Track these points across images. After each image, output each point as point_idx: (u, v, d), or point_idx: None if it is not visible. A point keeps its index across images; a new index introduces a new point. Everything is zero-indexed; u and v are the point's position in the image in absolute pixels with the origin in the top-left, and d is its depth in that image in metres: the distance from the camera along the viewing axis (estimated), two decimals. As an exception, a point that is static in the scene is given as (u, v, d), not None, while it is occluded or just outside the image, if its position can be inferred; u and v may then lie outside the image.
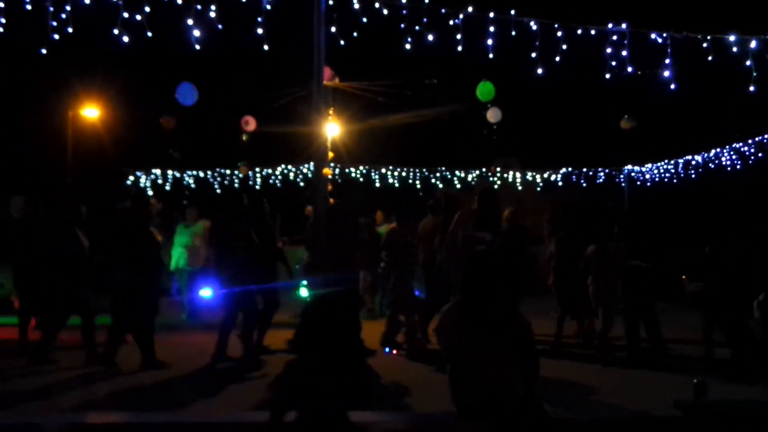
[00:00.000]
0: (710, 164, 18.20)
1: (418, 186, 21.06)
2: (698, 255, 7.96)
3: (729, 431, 5.28)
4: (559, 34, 8.75)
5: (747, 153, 16.77)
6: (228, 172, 20.79)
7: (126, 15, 7.73)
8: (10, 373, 7.11)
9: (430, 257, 8.88)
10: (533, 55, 8.83)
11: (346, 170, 19.97)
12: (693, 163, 18.73)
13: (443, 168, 21.00)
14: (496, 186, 19.45)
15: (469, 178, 20.90)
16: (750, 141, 16.47)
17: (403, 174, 21.01)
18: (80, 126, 21.64)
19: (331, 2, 8.70)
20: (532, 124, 22.69)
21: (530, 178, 20.74)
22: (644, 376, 7.23)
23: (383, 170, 20.84)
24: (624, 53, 8.82)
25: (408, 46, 8.64)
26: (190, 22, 7.90)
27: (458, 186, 20.66)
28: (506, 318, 3.92)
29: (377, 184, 20.58)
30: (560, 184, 21.04)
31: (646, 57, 8.96)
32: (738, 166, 17.24)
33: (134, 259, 7.41)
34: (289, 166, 20.57)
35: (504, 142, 17.08)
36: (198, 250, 10.90)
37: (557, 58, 8.84)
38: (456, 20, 8.63)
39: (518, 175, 20.53)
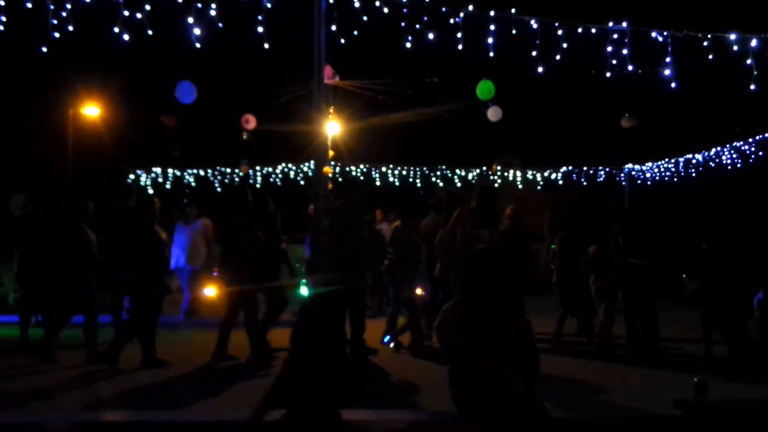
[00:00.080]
0: (711, 163, 18.20)
1: (419, 185, 21.07)
2: (697, 253, 7.96)
3: (729, 431, 5.29)
4: (560, 32, 8.74)
5: (747, 152, 16.78)
6: (228, 170, 20.80)
7: (126, 13, 7.72)
8: (11, 372, 7.11)
9: (433, 255, 8.89)
10: (534, 53, 8.82)
11: (347, 169, 19.97)
12: (693, 161, 18.73)
13: (443, 166, 21.01)
14: (496, 185, 19.45)
15: (470, 176, 20.90)
16: (750, 140, 16.47)
17: (404, 173, 21.01)
18: (81, 124, 21.65)
19: (331, 1, 8.69)
20: (532, 123, 22.70)
21: (531, 177, 20.74)
22: (644, 375, 7.23)
23: (384, 169, 20.85)
24: (624, 52, 8.82)
25: (408, 45, 8.63)
26: (190, 20, 7.90)
27: (459, 184, 20.66)
28: (506, 317, 3.92)
29: (377, 183, 20.59)
30: (561, 182, 21.05)
31: (646, 56, 8.96)
32: (738, 165, 17.25)
33: (139, 257, 7.40)
34: (290, 165, 20.58)
35: (504, 141, 17.09)
36: (198, 249, 10.90)
37: (558, 57, 8.83)
38: (456, 19, 8.62)
39: (519, 173, 20.54)
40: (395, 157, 20.97)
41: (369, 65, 12.86)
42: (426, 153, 22.01)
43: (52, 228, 7.82)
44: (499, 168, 20.00)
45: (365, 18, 8.59)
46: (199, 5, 7.91)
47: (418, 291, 9.08)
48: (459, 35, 8.68)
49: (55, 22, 7.80)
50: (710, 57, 8.69)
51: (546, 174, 21.02)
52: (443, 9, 8.56)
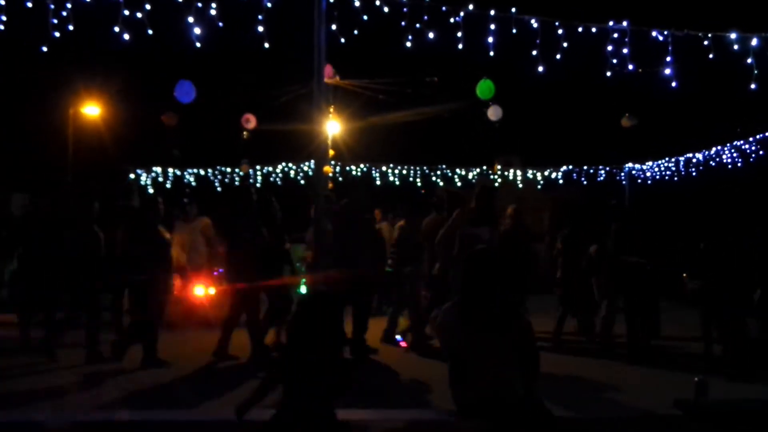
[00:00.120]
0: (711, 162, 18.21)
1: (419, 184, 21.07)
2: (697, 253, 7.96)
3: (729, 431, 5.29)
4: (560, 31, 8.73)
5: (748, 151, 16.78)
6: (228, 169, 20.80)
7: (127, 13, 7.72)
8: (11, 372, 7.12)
9: (434, 255, 8.89)
10: (534, 52, 8.82)
11: (347, 168, 19.97)
12: (694, 160, 18.73)
13: (444, 166, 21.01)
14: (496, 184, 19.45)
15: (470, 176, 20.90)
16: (751, 138, 16.47)
17: (404, 172, 21.01)
18: (81, 124, 21.63)
19: (331, 0, 8.69)
20: (533, 122, 22.69)
21: (531, 176, 20.74)
22: (644, 375, 7.23)
23: (384, 168, 20.85)
24: (625, 51, 8.81)
25: (409, 44, 8.62)
26: (190, 20, 7.90)
27: (459, 184, 20.65)
28: (506, 317, 3.92)
29: (378, 182, 20.59)
30: (561, 182, 21.04)
31: (646, 55, 8.96)
32: (739, 164, 17.25)
33: (143, 257, 7.41)
34: (290, 164, 20.58)
35: (505, 140, 17.09)
36: (197, 248, 10.89)
37: (558, 56, 8.83)
38: (457, 18, 8.62)
39: (519, 172, 20.53)
40: (395, 156, 20.98)
41: (369, 64, 12.83)
42: (426, 152, 22.00)
43: (59, 227, 7.82)
44: (499, 168, 20.00)
45: (365, 17, 8.59)
46: (200, 5, 7.91)
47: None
48: (459, 34, 8.68)
49: (55, 21, 7.80)
50: (711, 56, 8.68)
51: (546, 173, 21.02)
52: (443, 8, 8.56)
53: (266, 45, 8.36)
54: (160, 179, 20.88)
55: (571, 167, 21.02)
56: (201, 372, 7.27)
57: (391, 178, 20.95)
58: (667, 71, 8.80)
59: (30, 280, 8.26)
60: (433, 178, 21.08)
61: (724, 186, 18.00)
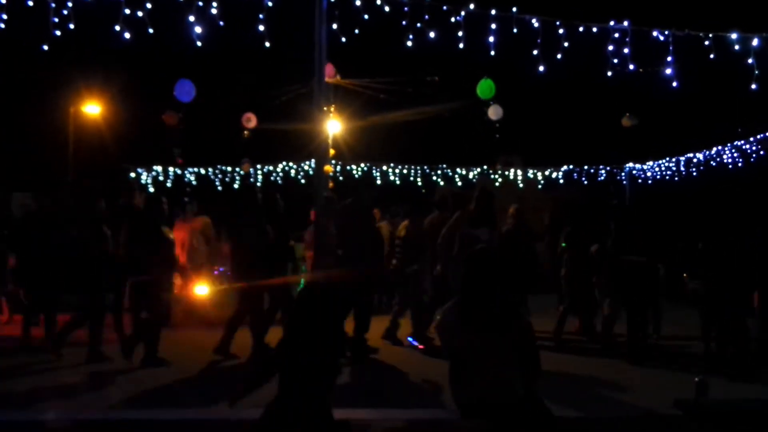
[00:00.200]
0: (712, 162, 18.22)
1: (420, 183, 21.08)
2: (697, 252, 7.95)
3: (729, 431, 5.29)
4: (561, 31, 8.74)
5: (748, 150, 16.78)
6: (229, 169, 20.81)
7: (127, 12, 7.73)
8: (11, 371, 7.12)
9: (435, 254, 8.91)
10: (535, 52, 8.82)
11: (348, 167, 19.98)
12: (694, 160, 18.75)
13: (444, 165, 21.03)
14: (497, 183, 19.45)
15: (470, 175, 20.91)
16: (752, 138, 16.47)
17: (404, 171, 21.02)
18: (82, 123, 21.64)
19: (332, -1, 8.71)
20: (533, 122, 22.69)
21: (531, 176, 20.74)
22: (645, 374, 7.22)
23: (384, 167, 20.86)
24: (626, 51, 8.82)
25: (409, 44, 8.63)
26: (191, 19, 7.90)
27: (459, 183, 20.67)
28: (506, 317, 3.92)
29: (378, 182, 20.60)
30: (561, 181, 21.06)
31: (647, 55, 8.96)
32: (739, 164, 17.25)
33: (146, 257, 7.40)
34: (291, 163, 20.59)
35: (505, 140, 17.08)
36: (197, 248, 10.90)
37: (559, 56, 8.83)
38: (457, 17, 8.63)
39: (519, 172, 20.53)
40: (396, 155, 21.01)
41: (370, 64, 12.84)
42: (427, 152, 22.03)
43: (63, 227, 7.81)
44: (500, 168, 20.01)
45: (366, 16, 8.60)
46: (200, 4, 7.92)
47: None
48: (460, 34, 8.69)
49: (56, 20, 7.81)
50: (711, 56, 8.69)
51: (547, 173, 21.02)
52: (444, 7, 8.57)
53: (267, 44, 8.37)
54: (161, 178, 20.89)
55: (571, 167, 21.04)
56: (201, 371, 7.26)
57: (392, 178, 20.96)
58: (668, 71, 8.81)
59: (30, 280, 8.26)
60: (434, 178, 21.09)
61: (725, 186, 18.00)
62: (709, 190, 18.41)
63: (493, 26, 8.67)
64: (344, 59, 10.94)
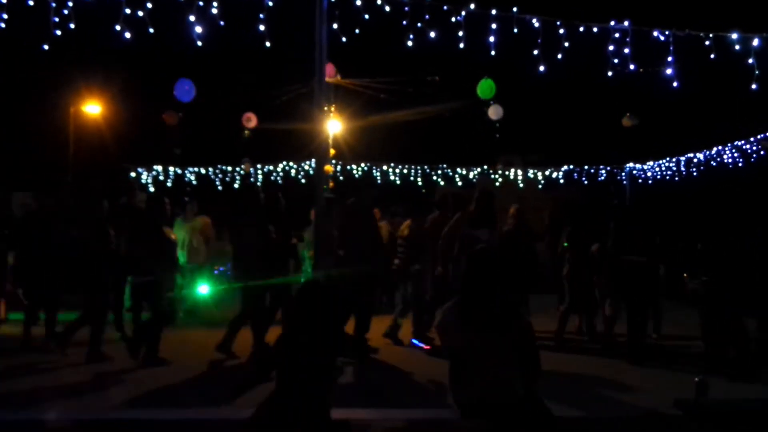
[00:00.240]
0: (712, 162, 18.21)
1: (420, 183, 21.09)
2: (698, 252, 7.94)
3: (729, 431, 5.29)
4: (561, 31, 8.73)
5: (749, 150, 16.78)
6: (229, 168, 20.82)
7: (128, 11, 7.73)
8: (11, 371, 7.12)
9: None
10: (535, 52, 8.82)
11: (348, 167, 19.99)
12: (695, 160, 18.74)
13: (444, 165, 21.03)
14: (497, 183, 19.46)
15: (471, 175, 20.91)
16: (752, 138, 16.47)
17: (405, 171, 21.02)
18: (82, 122, 21.66)
19: (332, -1, 8.71)
20: (533, 122, 22.71)
21: (532, 176, 20.75)
22: (645, 374, 7.22)
23: (385, 167, 20.86)
24: (626, 51, 8.81)
25: (410, 43, 8.63)
26: (192, 18, 7.90)
27: (459, 183, 20.67)
28: (506, 317, 3.92)
29: (378, 181, 20.61)
30: (562, 181, 21.06)
31: (648, 55, 8.95)
32: (740, 164, 17.25)
33: (147, 257, 7.40)
34: (291, 163, 20.60)
35: (506, 140, 17.10)
36: (197, 247, 10.91)
37: (559, 56, 8.83)
38: (458, 17, 8.62)
39: (520, 172, 20.54)
40: (396, 155, 21.02)
41: (370, 64, 12.86)
42: (427, 151, 22.06)
43: (64, 226, 7.82)
44: (500, 168, 20.03)
45: (367, 16, 8.60)
46: (201, 3, 7.92)
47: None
48: (460, 34, 8.68)
49: (56, 19, 7.80)
50: (712, 56, 8.68)
51: (547, 173, 21.02)
52: (445, 7, 8.57)
53: (267, 44, 8.37)
54: (161, 178, 20.90)
55: (572, 167, 21.04)
56: (201, 371, 7.26)
57: (392, 177, 20.96)
58: (669, 71, 8.80)
59: (30, 279, 8.26)
60: (434, 178, 21.10)
61: (725, 186, 18.00)
62: (710, 190, 18.41)
63: (494, 26, 8.66)
64: (344, 59, 10.96)
